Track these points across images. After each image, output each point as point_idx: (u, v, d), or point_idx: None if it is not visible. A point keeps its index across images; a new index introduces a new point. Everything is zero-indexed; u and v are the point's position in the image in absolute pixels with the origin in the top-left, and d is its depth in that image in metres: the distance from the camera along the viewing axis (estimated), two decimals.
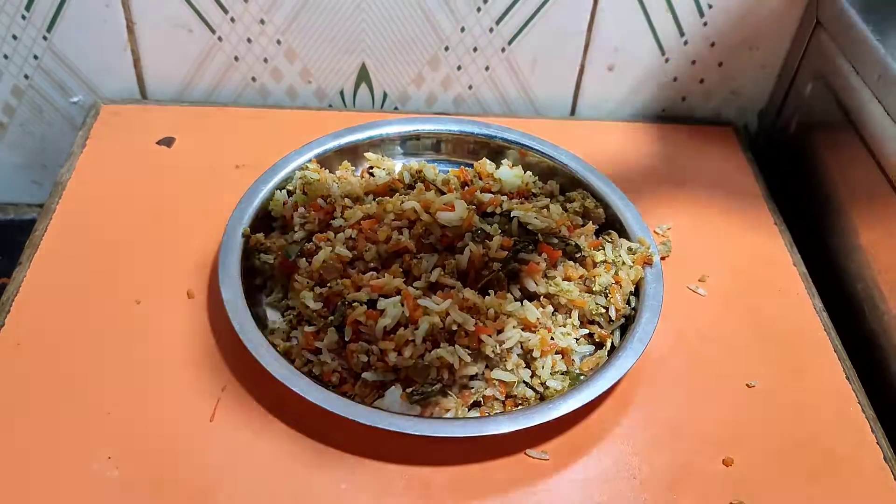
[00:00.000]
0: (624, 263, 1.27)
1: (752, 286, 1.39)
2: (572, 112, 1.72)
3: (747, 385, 1.23)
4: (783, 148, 1.68)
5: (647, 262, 1.29)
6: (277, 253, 1.25)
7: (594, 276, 1.23)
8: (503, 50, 1.60)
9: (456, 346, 1.11)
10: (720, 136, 1.68)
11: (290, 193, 1.36)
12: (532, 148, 1.47)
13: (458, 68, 1.63)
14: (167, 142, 1.53)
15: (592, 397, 1.11)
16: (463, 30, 1.57)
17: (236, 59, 1.59)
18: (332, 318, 1.13)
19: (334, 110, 1.67)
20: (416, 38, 1.58)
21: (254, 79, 1.63)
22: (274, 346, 1.14)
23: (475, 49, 1.60)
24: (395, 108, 1.69)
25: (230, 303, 1.18)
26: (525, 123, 1.63)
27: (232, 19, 1.53)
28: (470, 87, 1.66)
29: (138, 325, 1.22)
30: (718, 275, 1.40)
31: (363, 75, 1.63)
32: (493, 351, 1.11)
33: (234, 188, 1.43)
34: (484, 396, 1.13)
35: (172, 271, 1.31)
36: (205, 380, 1.17)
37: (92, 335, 1.20)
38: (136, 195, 1.42)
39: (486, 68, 1.63)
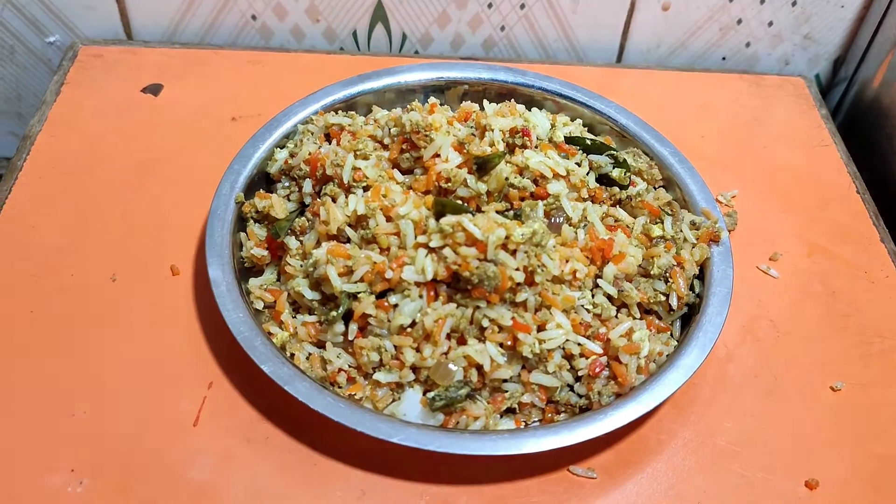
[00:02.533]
0: (686, 241, 1.07)
1: (833, 266, 1.18)
2: (619, 59, 1.50)
3: (831, 388, 1.04)
4: (865, 103, 1.45)
5: (714, 239, 1.08)
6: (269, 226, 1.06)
7: (652, 257, 1.02)
8: None
9: (487, 342, 0.92)
10: (790, 89, 1.46)
11: (292, 155, 1.16)
12: (574, 99, 1.25)
13: (489, 6, 1.41)
14: (154, 89, 1.33)
15: (648, 408, 0.92)
16: None
17: None
18: (333, 313, 0.94)
19: (346, 54, 1.46)
20: None
21: (254, 17, 1.42)
22: (270, 335, 0.96)
23: None
24: (416, 53, 1.48)
25: (217, 283, 0.99)
26: (565, 71, 1.41)
27: None
28: (502, 28, 1.44)
29: (111, 306, 1.04)
30: (793, 253, 1.20)
31: (379, 13, 1.42)
32: (531, 351, 0.92)
33: (230, 144, 1.22)
34: (520, 403, 0.94)
35: (155, 243, 1.12)
36: (188, 375, 0.99)
37: (56, 318, 1.02)
38: (115, 152, 1.23)
39: (522, 6, 1.41)
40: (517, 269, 0.92)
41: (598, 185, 1.09)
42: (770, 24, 1.45)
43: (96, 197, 1.16)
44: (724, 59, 1.50)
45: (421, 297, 0.94)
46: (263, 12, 1.41)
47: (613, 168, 1.11)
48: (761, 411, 1.01)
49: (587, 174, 1.08)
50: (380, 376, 0.93)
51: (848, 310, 1.13)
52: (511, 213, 1.00)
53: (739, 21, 1.44)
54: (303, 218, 1.05)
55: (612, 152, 1.12)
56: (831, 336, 1.10)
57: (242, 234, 1.07)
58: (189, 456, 0.92)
